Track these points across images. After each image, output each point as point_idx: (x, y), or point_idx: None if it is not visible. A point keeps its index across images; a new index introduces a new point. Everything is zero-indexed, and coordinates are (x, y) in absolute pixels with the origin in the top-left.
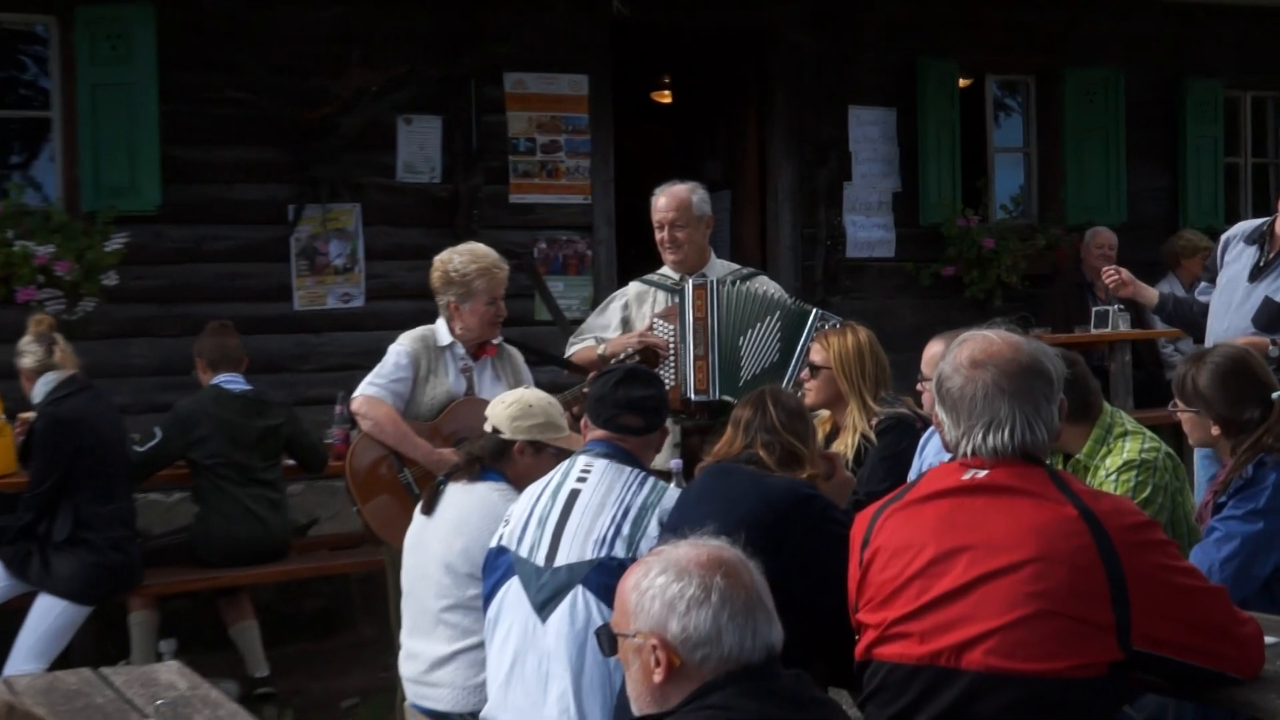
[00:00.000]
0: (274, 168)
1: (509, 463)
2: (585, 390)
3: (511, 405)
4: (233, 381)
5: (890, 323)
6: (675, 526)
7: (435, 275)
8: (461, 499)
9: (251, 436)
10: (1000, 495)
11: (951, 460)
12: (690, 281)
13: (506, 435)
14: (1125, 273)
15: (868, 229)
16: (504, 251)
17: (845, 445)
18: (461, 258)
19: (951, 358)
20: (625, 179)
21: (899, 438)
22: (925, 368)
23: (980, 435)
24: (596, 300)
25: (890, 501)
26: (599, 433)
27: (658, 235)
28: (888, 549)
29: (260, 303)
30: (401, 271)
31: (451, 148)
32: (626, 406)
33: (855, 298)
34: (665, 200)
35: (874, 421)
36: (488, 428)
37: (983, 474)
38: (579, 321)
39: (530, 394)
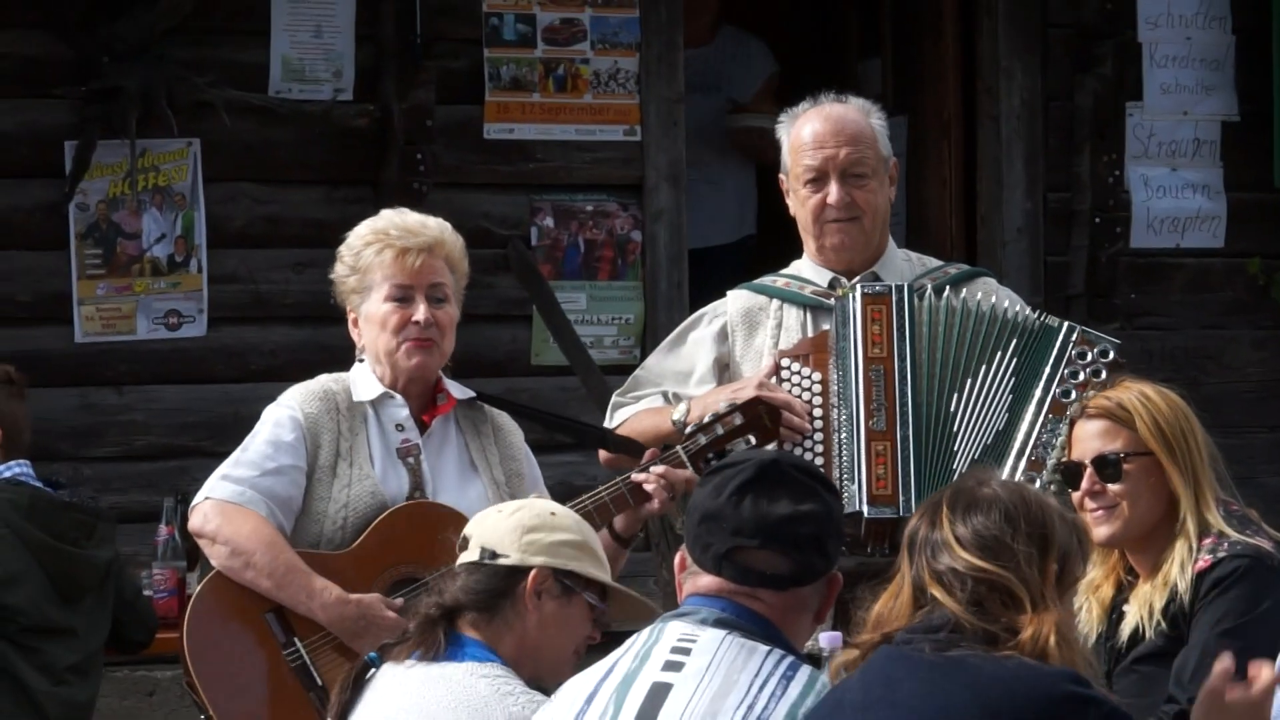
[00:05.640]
0: (35, 70)
1: (510, 617)
2: (638, 477)
3: (519, 512)
4: (27, 475)
5: (1216, 373)
6: None
7: (335, 274)
8: (414, 695)
9: (82, 578)
10: None
11: None
12: (859, 288)
13: (512, 559)
14: None
15: (1173, 193)
16: (472, 233)
17: (1145, 611)
18: (361, 229)
19: None
20: None
21: (1258, 588)
22: None
23: None
24: (653, 328)
25: None
26: (707, 581)
27: (807, 198)
28: None
29: (9, 327)
30: (282, 271)
31: (374, 34)
32: (761, 533)
33: (1146, 325)
34: (824, 125)
35: (1203, 560)
36: (470, 551)
37: None
38: (622, 370)
39: (548, 503)
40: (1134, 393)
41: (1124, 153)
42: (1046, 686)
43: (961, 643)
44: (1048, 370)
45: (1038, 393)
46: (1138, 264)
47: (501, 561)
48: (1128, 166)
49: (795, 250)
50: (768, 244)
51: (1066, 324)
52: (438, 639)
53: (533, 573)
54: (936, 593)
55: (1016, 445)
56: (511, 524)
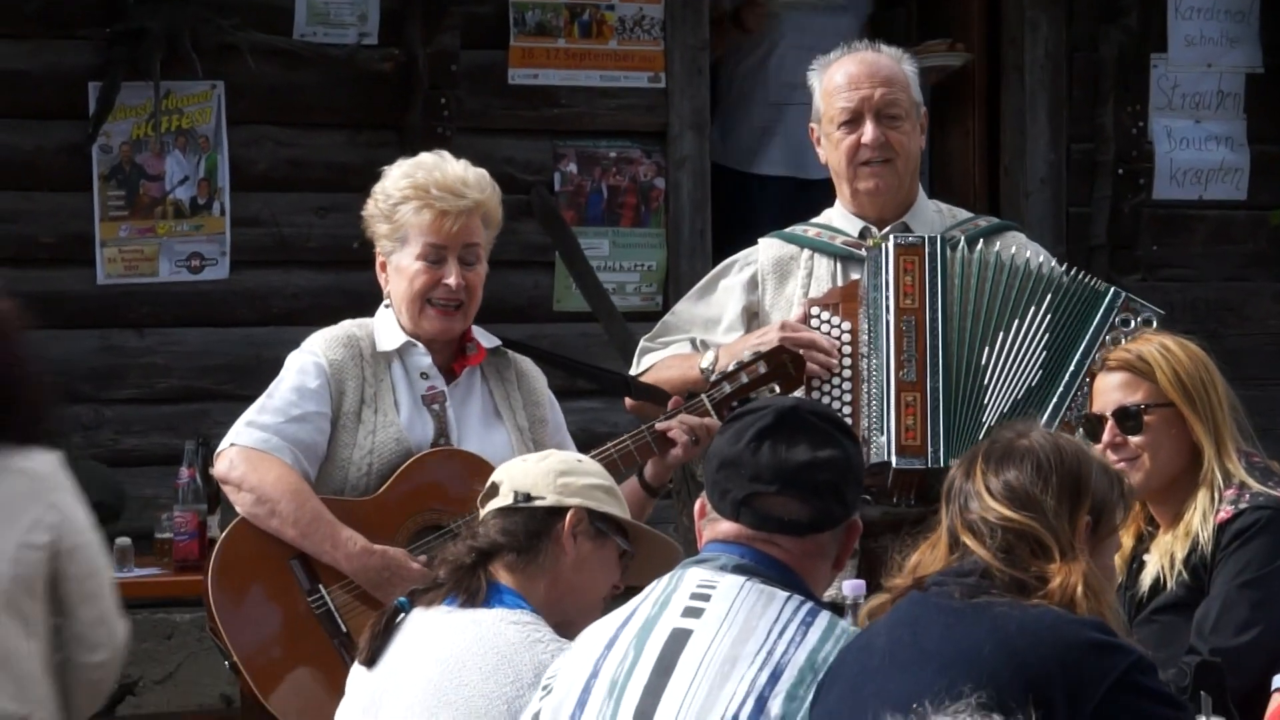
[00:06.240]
0: (60, 11)
1: (546, 559)
2: (663, 425)
3: (548, 459)
4: None
5: (1237, 326)
6: (830, 712)
7: (367, 212)
8: (445, 640)
9: None
10: None
11: None
12: (893, 238)
13: (548, 501)
14: None
15: (1196, 145)
16: (496, 178)
17: (1165, 561)
18: (394, 173)
19: None
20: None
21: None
22: None
23: None
24: (675, 275)
25: None
26: (726, 528)
27: (841, 140)
28: None
29: (31, 268)
30: (305, 214)
31: None
32: (779, 479)
33: (1168, 277)
34: (858, 68)
35: (1225, 511)
36: (502, 497)
37: None
38: (644, 317)
39: (573, 452)
40: (1154, 344)
41: (1148, 104)
42: (1070, 634)
43: (991, 589)
44: (1090, 334)
45: (1078, 355)
46: (1160, 215)
47: (538, 503)
48: (1151, 118)
49: None
50: None
51: (1113, 290)
52: (477, 584)
53: (570, 513)
54: (967, 540)
55: (1051, 405)
56: (543, 469)
